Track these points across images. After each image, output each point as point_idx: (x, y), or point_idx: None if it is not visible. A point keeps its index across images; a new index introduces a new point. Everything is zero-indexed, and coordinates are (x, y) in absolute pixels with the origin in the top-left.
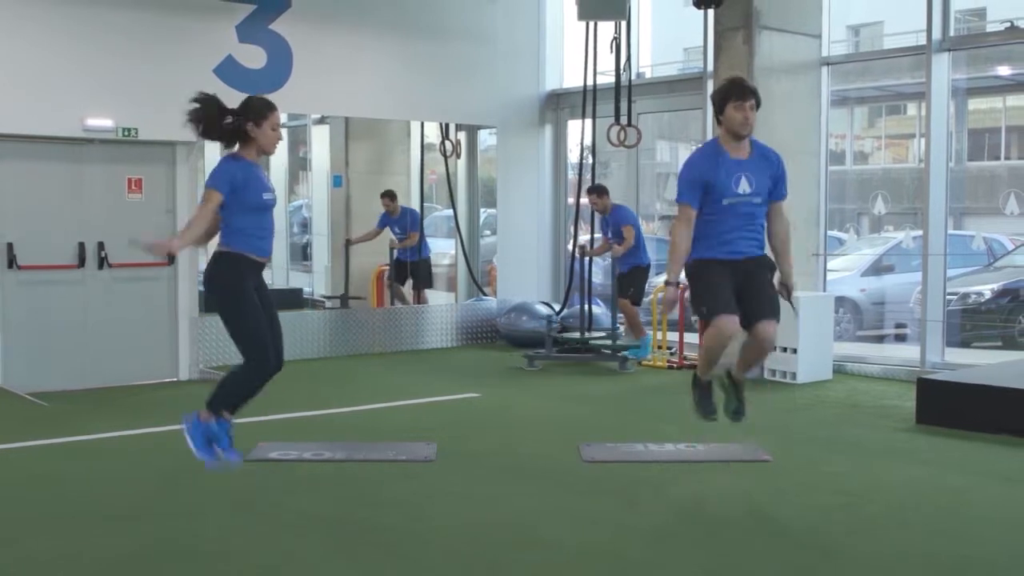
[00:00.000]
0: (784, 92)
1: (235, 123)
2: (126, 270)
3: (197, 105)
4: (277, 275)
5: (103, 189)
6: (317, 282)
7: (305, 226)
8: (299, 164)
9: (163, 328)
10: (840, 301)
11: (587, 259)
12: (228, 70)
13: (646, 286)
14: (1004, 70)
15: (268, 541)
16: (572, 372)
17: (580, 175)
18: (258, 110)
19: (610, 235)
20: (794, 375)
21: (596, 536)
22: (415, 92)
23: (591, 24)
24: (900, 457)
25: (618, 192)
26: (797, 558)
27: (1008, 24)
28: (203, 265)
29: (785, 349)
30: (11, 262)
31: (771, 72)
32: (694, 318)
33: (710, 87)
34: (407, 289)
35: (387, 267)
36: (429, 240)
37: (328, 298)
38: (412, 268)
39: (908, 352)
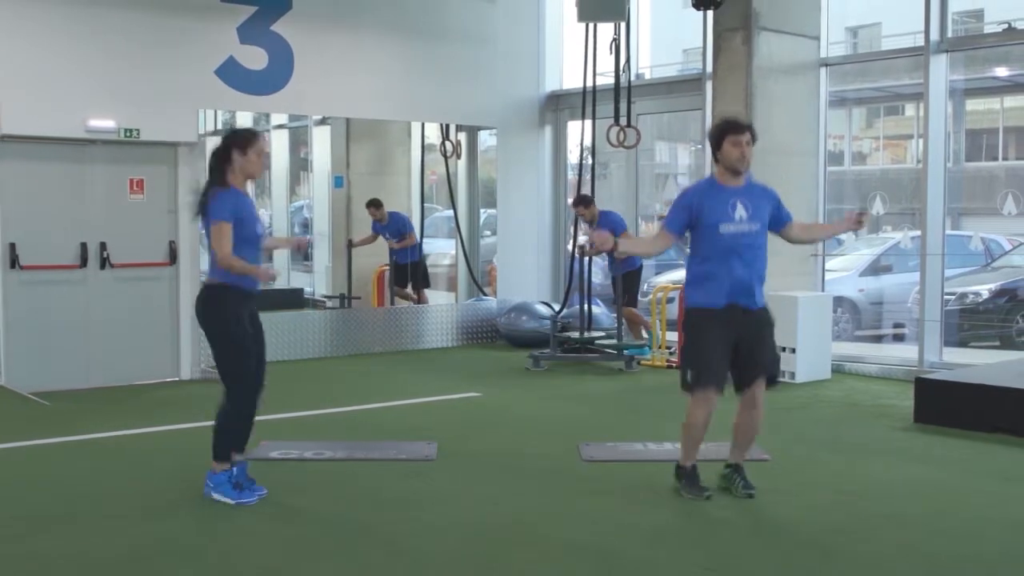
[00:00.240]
0: (783, 93)
1: (220, 150)
2: (128, 270)
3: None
4: (278, 275)
5: (105, 189)
6: (318, 282)
7: (306, 226)
8: (300, 165)
9: (165, 328)
10: (838, 301)
11: (587, 259)
12: (229, 71)
13: (640, 286)
14: (1002, 71)
15: (269, 540)
16: (572, 372)
17: (580, 176)
18: (243, 138)
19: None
20: (793, 375)
21: (596, 535)
22: (416, 93)
23: (591, 25)
24: (898, 456)
25: (618, 192)
26: (796, 557)
27: (1006, 25)
28: (204, 265)
29: (784, 349)
30: (14, 262)
31: (770, 73)
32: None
33: (709, 88)
34: (408, 291)
35: (387, 267)
36: (429, 240)
37: (328, 298)
38: (408, 270)
39: (906, 352)
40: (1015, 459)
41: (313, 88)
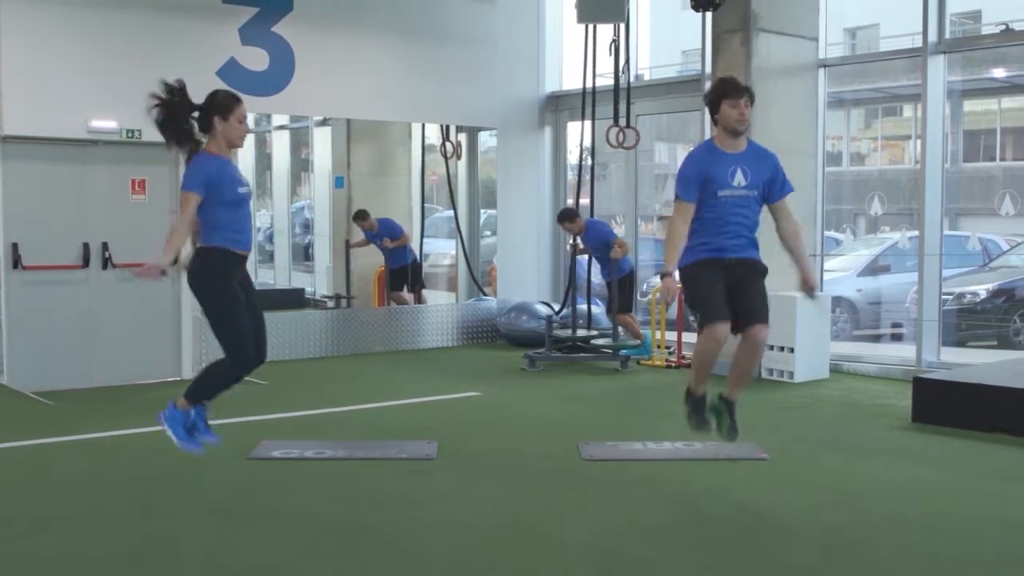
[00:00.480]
0: (781, 94)
1: (201, 117)
2: (130, 270)
3: (166, 95)
4: (279, 275)
5: (107, 190)
6: (319, 282)
7: (307, 227)
8: (301, 165)
9: (166, 327)
10: (837, 301)
11: (586, 258)
12: (231, 72)
13: (635, 290)
14: (999, 72)
15: (269, 540)
16: (572, 371)
17: (580, 176)
18: (224, 103)
19: (597, 255)
20: (791, 374)
21: (595, 534)
22: (416, 94)
23: (590, 27)
24: (896, 456)
25: (617, 193)
26: (795, 556)
27: (1003, 27)
28: None
29: (783, 348)
30: (16, 262)
31: (768, 74)
32: (691, 319)
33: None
34: (404, 294)
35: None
36: (429, 240)
37: (327, 298)
38: (402, 273)
39: (904, 351)
40: (1013, 458)
41: (314, 89)
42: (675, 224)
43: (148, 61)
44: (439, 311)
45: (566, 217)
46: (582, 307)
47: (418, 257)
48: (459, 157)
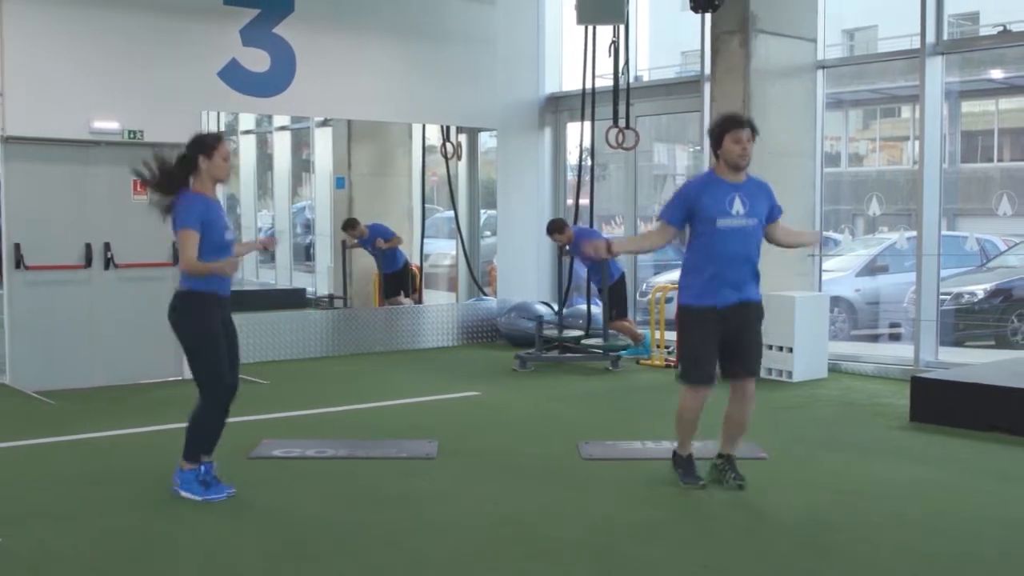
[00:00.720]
0: (780, 95)
1: (188, 161)
2: (132, 270)
3: (149, 177)
4: (280, 275)
5: (109, 190)
6: (320, 282)
7: (308, 227)
8: (302, 166)
9: (167, 327)
10: (835, 301)
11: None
12: (232, 73)
13: (626, 295)
14: (997, 73)
15: (270, 538)
16: (568, 371)
17: (579, 177)
18: (209, 143)
19: (588, 264)
20: (790, 374)
21: (595, 533)
22: (417, 95)
23: (590, 28)
24: (895, 455)
25: (616, 194)
26: (794, 556)
27: (1001, 28)
28: None
29: (781, 348)
30: (19, 262)
31: (767, 75)
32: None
33: (707, 90)
34: (400, 298)
35: None
36: (429, 240)
37: (325, 298)
38: (395, 278)
39: (902, 351)
40: (1012, 458)
41: (315, 90)
42: (650, 235)
43: (150, 62)
44: (439, 311)
45: (555, 228)
46: (582, 307)
47: (412, 261)
48: (459, 158)
